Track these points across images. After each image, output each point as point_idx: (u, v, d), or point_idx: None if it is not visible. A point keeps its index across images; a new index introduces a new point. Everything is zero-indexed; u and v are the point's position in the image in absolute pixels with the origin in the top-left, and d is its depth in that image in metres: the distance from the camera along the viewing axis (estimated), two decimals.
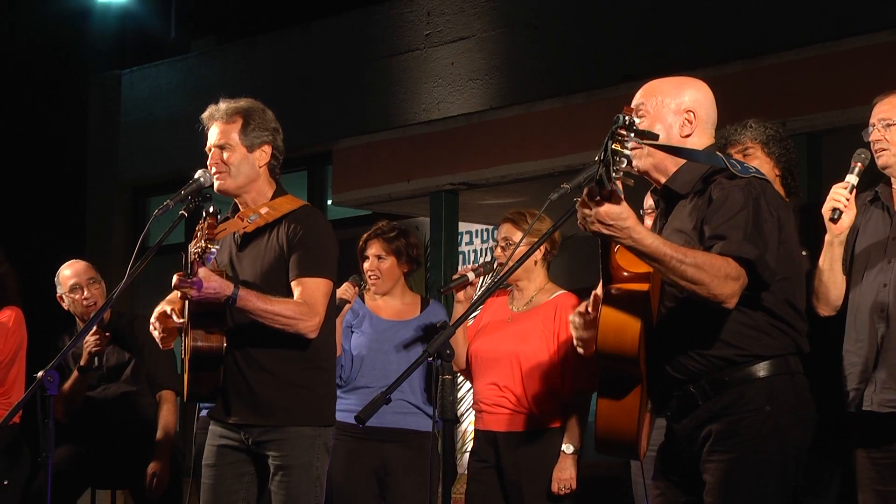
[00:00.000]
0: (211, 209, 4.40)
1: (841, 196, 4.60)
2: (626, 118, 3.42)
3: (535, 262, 5.68)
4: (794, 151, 5.16)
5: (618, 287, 3.74)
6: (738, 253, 3.68)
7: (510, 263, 5.35)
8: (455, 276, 5.74)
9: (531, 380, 5.56)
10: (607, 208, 3.52)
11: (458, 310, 5.69)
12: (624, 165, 3.42)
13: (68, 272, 6.60)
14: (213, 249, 4.40)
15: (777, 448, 3.80)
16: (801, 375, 3.89)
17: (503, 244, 5.68)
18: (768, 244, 3.74)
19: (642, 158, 3.91)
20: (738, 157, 5.11)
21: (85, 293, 6.52)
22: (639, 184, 4.05)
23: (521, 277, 5.68)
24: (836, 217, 4.58)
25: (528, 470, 5.52)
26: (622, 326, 3.70)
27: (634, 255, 3.63)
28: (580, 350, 4.01)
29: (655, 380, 3.86)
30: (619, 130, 3.42)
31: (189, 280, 4.48)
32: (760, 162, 5.07)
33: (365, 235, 6.13)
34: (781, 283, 3.80)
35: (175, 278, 4.54)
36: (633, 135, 3.43)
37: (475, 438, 5.76)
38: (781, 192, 5.10)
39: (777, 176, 5.10)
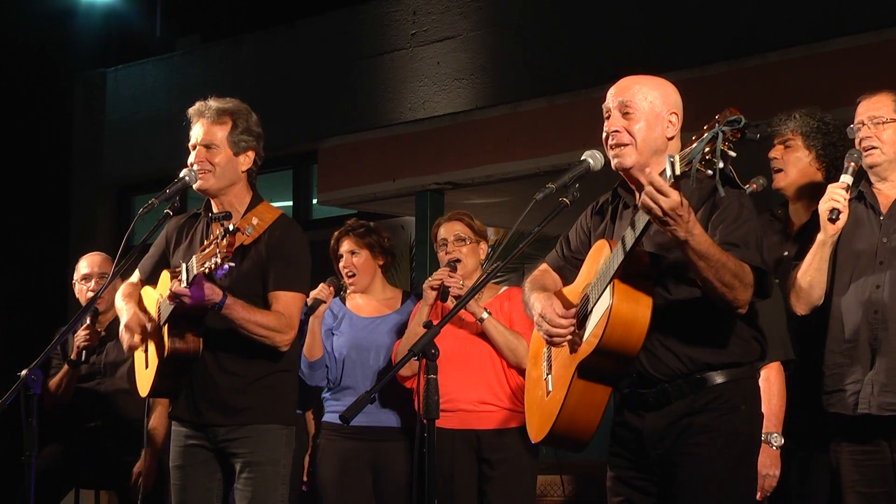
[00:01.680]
0: (231, 227, 4.36)
1: (839, 196, 4.58)
2: (747, 122, 3.39)
3: (481, 262, 5.77)
4: (843, 145, 5.04)
5: (632, 283, 3.71)
6: (754, 262, 3.70)
7: (466, 261, 5.69)
8: (449, 283, 5.67)
9: (505, 375, 5.61)
10: (677, 199, 3.49)
11: (425, 310, 5.70)
12: (720, 166, 3.38)
13: (85, 261, 6.66)
14: (226, 266, 4.38)
15: (748, 446, 3.89)
16: (757, 380, 3.97)
17: (455, 241, 5.72)
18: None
19: (629, 156, 3.89)
20: (780, 147, 5.10)
21: (92, 284, 6.53)
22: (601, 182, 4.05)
23: (471, 277, 5.71)
24: (834, 217, 4.56)
25: (510, 466, 5.55)
26: (630, 324, 3.69)
27: (680, 249, 3.60)
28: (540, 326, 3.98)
29: (625, 376, 3.86)
30: (735, 133, 3.38)
31: (189, 290, 4.49)
32: (800, 154, 5.05)
33: (336, 234, 6.12)
34: None
35: (173, 285, 4.54)
36: (739, 137, 3.40)
37: (443, 438, 5.67)
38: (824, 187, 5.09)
39: (818, 170, 5.08)
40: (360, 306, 6.11)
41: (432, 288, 5.66)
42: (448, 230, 5.81)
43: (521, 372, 5.55)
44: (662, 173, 3.52)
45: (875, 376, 4.50)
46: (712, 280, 3.63)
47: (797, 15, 7.78)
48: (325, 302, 5.92)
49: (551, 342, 3.94)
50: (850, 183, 4.62)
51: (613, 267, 3.72)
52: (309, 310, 5.88)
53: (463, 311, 5.66)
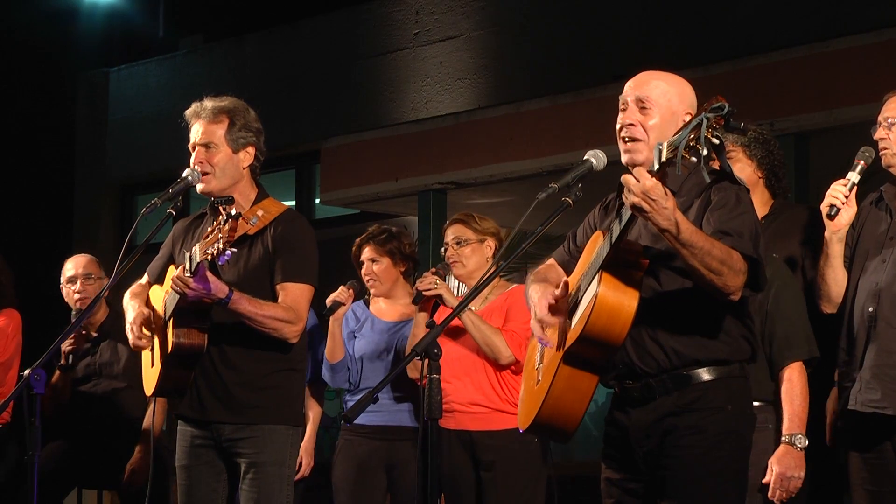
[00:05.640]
0: (234, 212, 4.35)
1: (839, 193, 4.60)
2: (731, 109, 3.40)
3: (487, 260, 5.73)
4: (780, 153, 5.15)
5: (620, 272, 3.71)
6: (746, 251, 3.69)
7: (466, 262, 5.70)
8: (420, 287, 5.71)
9: (497, 376, 5.61)
10: (656, 185, 3.51)
11: (420, 318, 5.74)
12: (704, 153, 3.40)
13: (70, 263, 6.61)
14: (228, 252, 4.37)
15: (736, 447, 3.86)
16: (747, 380, 3.93)
17: (454, 244, 5.73)
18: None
19: (641, 152, 3.88)
20: None
21: (77, 286, 6.50)
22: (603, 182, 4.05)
23: (473, 277, 5.70)
24: (832, 214, 4.59)
25: (504, 468, 5.54)
26: (616, 312, 3.67)
27: (665, 237, 3.61)
28: (536, 332, 3.97)
29: (612, 368, 3.86)
30: (719, 119, 3.39)
31: (192, 279, 4.48)
32: (742, 165, 5.06)
33: (357, 241, 6.15)
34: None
35: (178, 273, 4.53)
36: (722, 126, 3.41)
37: (445, 438, 5.69)
38: (766, 193, 5.12)
39: (760, 178, 5.10)
40: (382, 310, 6.15)
41: (418, 290, 5.73)
42: (449, 233, 5.83)
43: (509, 368, 5.58)
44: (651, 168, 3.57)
45: (863, 373, 4.54)
46: (699, 267, 3.62)
47: (800, 15, 7.79)
48: (343, 304, 5.97)
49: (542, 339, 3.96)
50: (856, 181, 4.63)
51: (602, 257, 3.74)
52: (328, 311, 5.92)
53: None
